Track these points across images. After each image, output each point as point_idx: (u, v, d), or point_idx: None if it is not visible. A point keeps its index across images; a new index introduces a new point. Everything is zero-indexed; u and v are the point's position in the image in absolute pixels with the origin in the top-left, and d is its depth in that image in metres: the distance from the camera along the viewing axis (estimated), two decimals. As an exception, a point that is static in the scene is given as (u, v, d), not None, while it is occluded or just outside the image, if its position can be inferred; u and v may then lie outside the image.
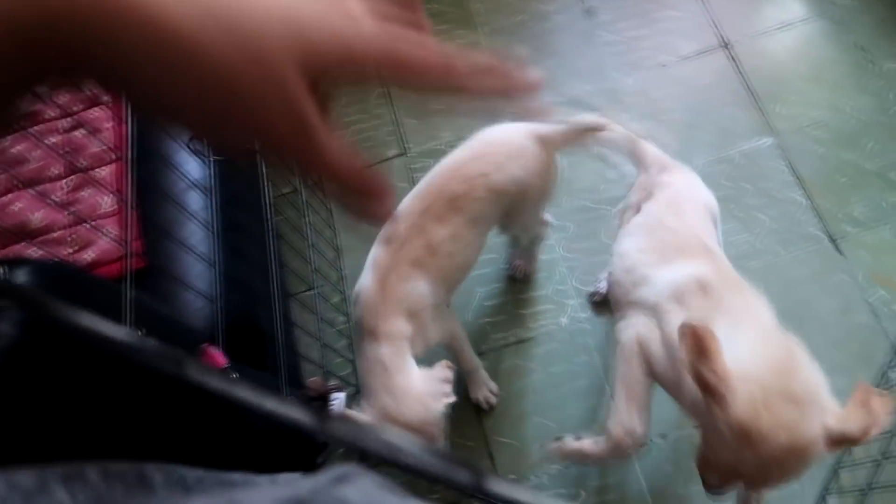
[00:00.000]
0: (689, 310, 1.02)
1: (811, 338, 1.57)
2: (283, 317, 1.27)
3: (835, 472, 1.44)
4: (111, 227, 1.29)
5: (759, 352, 0.88)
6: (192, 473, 0.41)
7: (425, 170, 1.92)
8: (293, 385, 1.32)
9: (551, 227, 1.79)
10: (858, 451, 1.45)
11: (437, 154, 1.94)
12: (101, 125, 1.42)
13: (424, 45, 0.33)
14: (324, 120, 0.31)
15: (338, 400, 1.44)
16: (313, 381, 1.59)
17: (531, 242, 1.65)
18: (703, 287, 1.04)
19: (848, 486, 1.42)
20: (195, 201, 1.27)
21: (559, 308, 1.70)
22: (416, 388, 1.18)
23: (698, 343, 0.83)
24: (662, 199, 1.29)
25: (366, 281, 1.26)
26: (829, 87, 1.89)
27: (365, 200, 0.33)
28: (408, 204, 1.30)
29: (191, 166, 1.29)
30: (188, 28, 0.26)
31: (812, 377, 0.88)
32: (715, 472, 0.92)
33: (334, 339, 1.70)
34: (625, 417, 1.10)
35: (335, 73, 0.31)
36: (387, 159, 1.97)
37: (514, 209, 1.39)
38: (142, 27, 0.26)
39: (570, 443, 1.23)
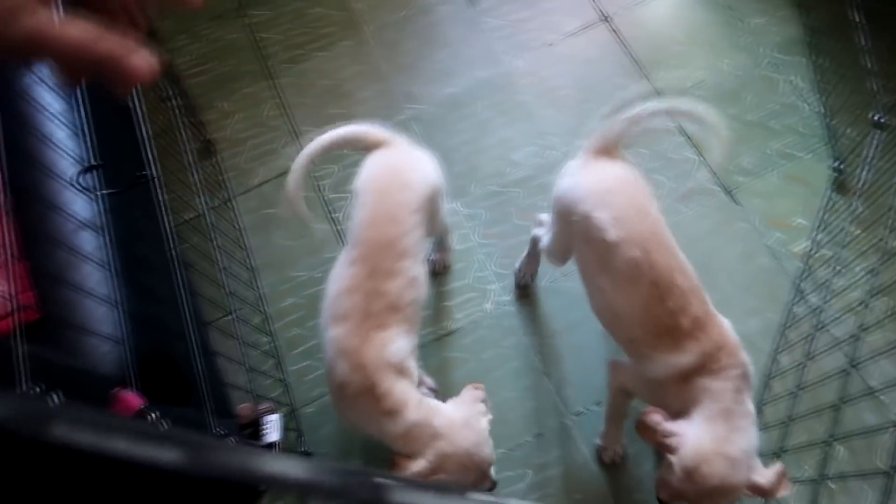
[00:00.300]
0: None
1: (721, 285, 1.66)
2: (200, 347, 1.21)
3: (759, 409, 1.52)
4: (-2, 282, 1.21)
5: (707, 428, 1.09)
6: None
7: (329, 177, 1.90)
8: (223, 415, 1.28)
9: (463, 216, 1.80)
10: (777, 388, 1.53)
11: (340, 158, 1.92)
12: (-27, 175, 1.32)
13: None
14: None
15: (271, 422, 1.40)
16: (243, 407, 1.54)
17: (444, 234, 1.65)
18: None
19: (772, 420, 1.50)
20: (88, 242, 1.20)
21: (482, 294, 1.71)
22: (457, 419, 1.18)
23: (648, 429, 1.11)
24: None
25: (342, 371, 1.15)
26: (705, 48, 1.98)
27: (115, 65, 0.32)
28: (347, 273, 1.21)
29: (78, 206, 1.22)
30: None
31: (747, 442, 1.09)
32: (667, 492, 1.11)
33: (260, 361, 1.66)
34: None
35: None
36: (290, 171, 1.92)
37: (434, 213, 1.38)
38: None
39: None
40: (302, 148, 1.94)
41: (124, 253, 1.22)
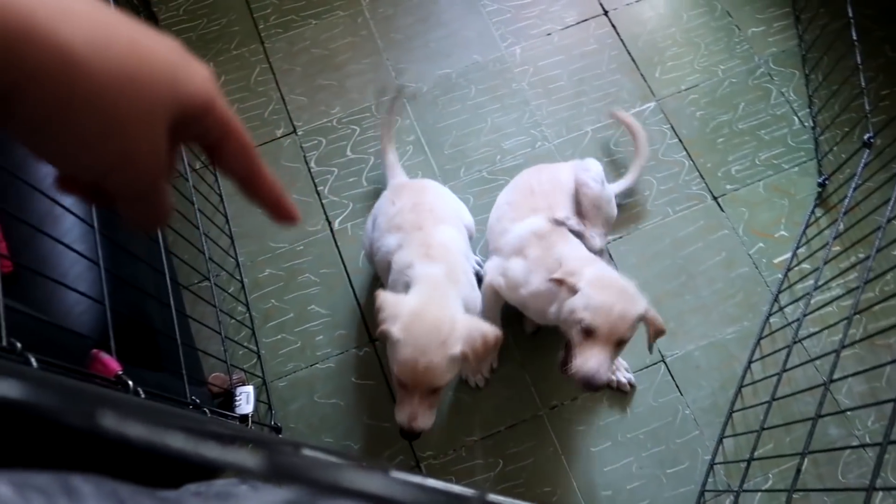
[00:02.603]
0: (528, 257, 1.38)
1: (700, 290, 1.68)
2: (177, 312, 1.17)
3: (730, 417, 1.54)
4: (-32, 229, 1.15)
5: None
6: (124, 488, 0.38)
7: (317, 148, 1.86)
8: (193, 384, 1.24)
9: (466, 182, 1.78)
10: (749, 397, 1.56)
11: (328, 131, 1.88)
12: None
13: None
14: (170, 168, 0.37)
15: (244, 394, 1.37)
16: (216, 376, 1.50)
17: None
18: (539, 236, 1.39)
19: (741, 429, 1.53)
20: (66, 197, 1.15)
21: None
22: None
23: (558, 280, 1.26)
24: (534, 169, 1.59)
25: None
26: (701, 51, 1.98)
27: (150, 229, 0.38)
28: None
29: (58, 156, 1.17)
30: (85, 55, 0.29)
31: (625, 282, 1.26)
32: (587, 357, 1.19)
33: (234, 331, 1.62)
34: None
35: (192, 122, 0.35)
36: (276, 139, 1.87)
37: None
38: (47, 50, 0.28)
39: None
40: (289, 116, 1.90)
41: (104, 210, 1.17)
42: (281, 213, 0.41)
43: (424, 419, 1.20)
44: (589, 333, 1.20)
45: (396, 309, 1.20)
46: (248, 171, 0.39)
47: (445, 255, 1.33)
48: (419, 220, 1.39)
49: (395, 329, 1.17)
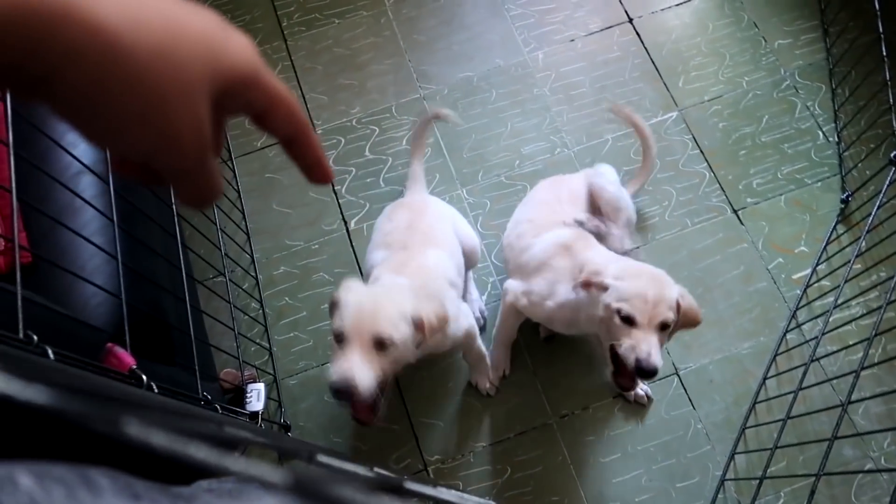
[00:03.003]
0: (554, 268, 1.36)
1: (717, 304, 1.66)
2: (192, 307, 1.18)
3: (743, 433, 1.52)
4: (-11, 218, 1.16)
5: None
6: (138, 482, 0.38)
7: (336, 147, 1.86)
8: (205, 379, 1.24)
9: (468, 204, 1.78)
10: (763, 414, 1.54)
11: (347, 131, 1.88)
12: (-29, 102, 1.26)
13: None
14: (217, 143, 0.36)
15: (255, 391, 1.37)
16: (227, 372, 1.51)
17: None
18: (565, 247, 1.37)
19: (754, 445, 1.51)
20: (89, 187, 1.15)
21: (479, 287, 1.69)
22: None
23: (586, 281, 1.24)
24: (551, 182, 1.59)
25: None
26: (726, 62, 1.96)
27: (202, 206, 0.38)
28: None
29: (82, 149, 1.17)
30: (122, 34, 0.29)
31: (654, 269, 1.24)
32: (638, 342, 1.17)
33: (247, 327, 1.62)
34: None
35: (236, 95, 0.35)
36: (295, 137, 1.87)
37: None
38: (83, 30, 0.28)
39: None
40: (309, 114, 1.90)
41: (123, 203, 1.17)
42: (320, 172, 0.41)
43: (363, 373, 1.06)
44: (630, 322, 1.17)
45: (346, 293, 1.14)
46: (296, 133, 0.39)
47: (420, 275, 1.28)
48: (409, 240, 1.36)
49: (339, 293, 1.13)
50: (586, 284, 1.23)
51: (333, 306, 1.15)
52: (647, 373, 1.15)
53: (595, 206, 1.50)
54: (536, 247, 1.42)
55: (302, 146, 0.40)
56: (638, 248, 1.71)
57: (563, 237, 1.39)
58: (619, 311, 1.17)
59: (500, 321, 1.51)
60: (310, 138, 0.40)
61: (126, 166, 0.37)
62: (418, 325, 1.13)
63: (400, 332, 1.09)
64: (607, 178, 1.52)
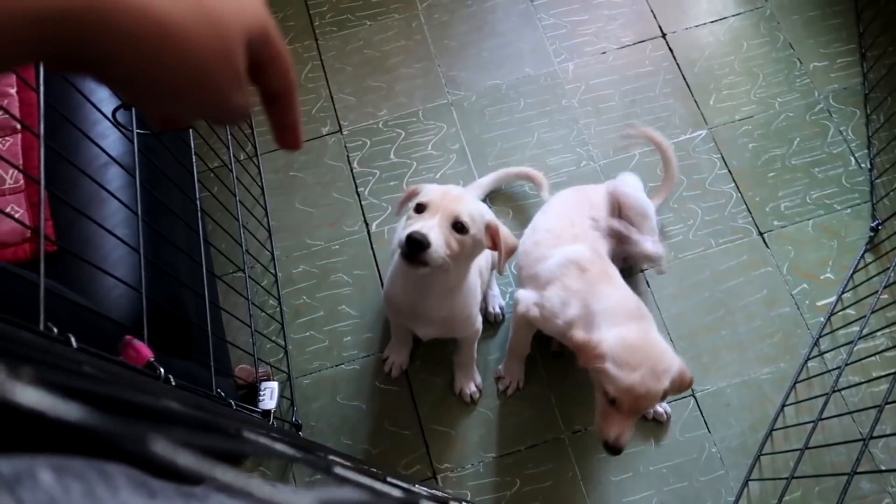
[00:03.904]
0: (566, 287, 1.34)
1: (737, 327, 1.63)
2: (210, 302, 1.18)
3: (757, 459, 1.50)
4: (16, 205, 1.17)
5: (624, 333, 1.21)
6: (153, 480, 0.38)
7: (361, 149, 1.86)
8: (220, 375, 1.25)
9: (493, 212, 1.77)
10: (779, 441, 1.51)
11: (373, 133, 1.88)
12: (6, 90, 1.28)
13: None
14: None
15: (269, 389, 1.37)
16: (241, 368, 1.51)
17: None
18: (581, 268, 1.34)
19: (769, 473, 1.48)
20: (114, 179, 1.16)
21: (502, 295, 1.68)
22: None
23: (580, 346, 1.22)
24: (573, 192, 1.59)
25: None
26: (759, 82, 1.93)
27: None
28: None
29: (109, 141, 1.18)
30: (168, 14, 0.31)
31: (660, 345, 1.22)
32: (610, 423, 1.21)
33: (265, 324, 1.63)
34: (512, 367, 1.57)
35: (253, 47, 0.37)
36: (321, 136, 1.88)
37: None
38: (134, 17, 0.30)
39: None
40: (336, 114, 1.91)
41: (145, 195, 1.18)
42: (292, 137, 0.43)
43: (439, 236, 1.12)
44: (612, 402, 1.21)
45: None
46: (285, 91, 0.41)
47: None
48: None
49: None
50: (581, 353, 1.22)
51: (412, 195, 1.20)
52: (613, 452, 1.23)
53: (620, 214, 1.49)
54: (552, 260, 1.40)
55: (285, 105, 0.42)
56: (643, 270, 1.69)
57: (581, 256, 1.36)
58: (605, 393, 1.21)
59: (513, 333, 1.51)
60: (294, 99, 0.42)
61: (168, 123, 0.39)
62: (492, 232, 1.17)
63: (476, 224, 1.13)
64: (631, 184, 1.51)
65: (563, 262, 1.37)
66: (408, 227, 1.10)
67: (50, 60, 0.30)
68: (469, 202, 1.14)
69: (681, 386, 1.22)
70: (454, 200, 1.12)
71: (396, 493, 0.57)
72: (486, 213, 1.17)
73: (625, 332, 1.21)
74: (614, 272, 1.37)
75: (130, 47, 0.30)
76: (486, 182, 1.73)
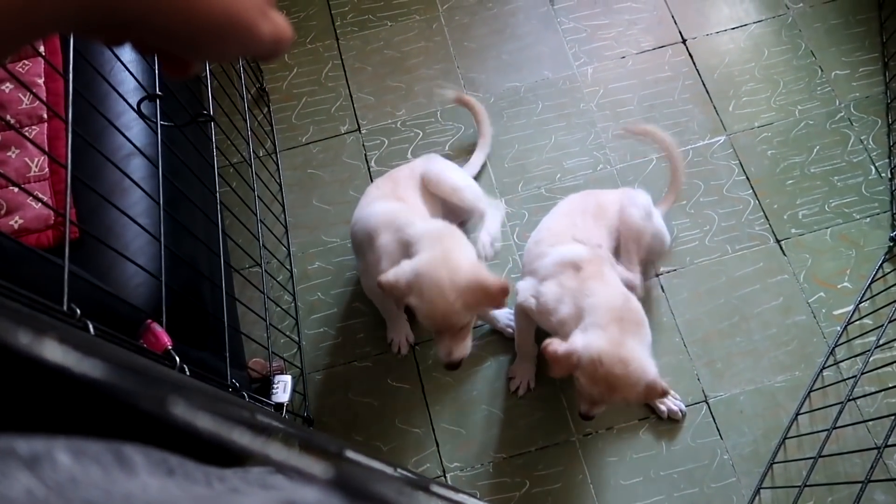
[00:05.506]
0: (561, 284, 1.36)
1: (752, 334, 1.62)
2: (227, 294, 1.19)
3: (769, 467, 1.49)
4: (41, 192, 1.20)
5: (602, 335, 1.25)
6: (172, 457, 0.38)
7: (379, 148, 1.87)
8: (234, 366, 1.26)
9: (505, 214, 1.77)
10: (792, 450, 1.50)
11: (391, 132, 1.89)
12: (34, 80, 1.31)
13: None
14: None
15: (282, 383, 1.38)
16: (255, 361, 1.52)
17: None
18: (576, 267, 1.36)
19: (781, 482, 1.47)
20: (137, 169, 1.18)
21: (511, 296, 1.68)
22: None
23: (554, 357, 1.24)
24: (582, 195, 1.60)
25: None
26: (780, 89, 1.92)
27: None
28: None
29: (134, 131, 1.20)
30: None
31: (637, 349, 1.25)
32: (584, 401, 1.30)
33: (279, 319, 1.64)
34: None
35: None
36: (339, 135, 1.90)
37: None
38: None
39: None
40: (355, 113, 1.92)
41: (167, 186, 1.20)
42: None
43: (459, 349, 1.31)
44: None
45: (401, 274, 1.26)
46: None
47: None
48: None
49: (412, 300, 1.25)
50: (553, 357, 1.25)
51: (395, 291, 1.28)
52: (585, 419, 1.33)
53: (619, 233, 1.49)
54: (549, 257, 1.42)
55: None
56: (658, 275, 1.68)
57: (577, 255, 1.38)
58: (579, 390, 1.30)
59: (516, 327, 1.54)
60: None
61: (181, 70, 0.40)
62: (478, 294, 1.26)
63: (469, 307, 1.26)
64: (639, 205, 1.48)
65: (559, 260, 1.40)
66: (439, 350, 1.32)
67: (88, 24, 0.31)
68: (454, 304, 1.23)
69: (649, 396, 1.26)
70: (446, 317, 1.25)
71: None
72: (470, 279, 1.23)
73: (595, 343, 1.24)
74: (611, 274, 1.37)
75: (158, 8, 0.31)
76: (475, 161, 1.79)
